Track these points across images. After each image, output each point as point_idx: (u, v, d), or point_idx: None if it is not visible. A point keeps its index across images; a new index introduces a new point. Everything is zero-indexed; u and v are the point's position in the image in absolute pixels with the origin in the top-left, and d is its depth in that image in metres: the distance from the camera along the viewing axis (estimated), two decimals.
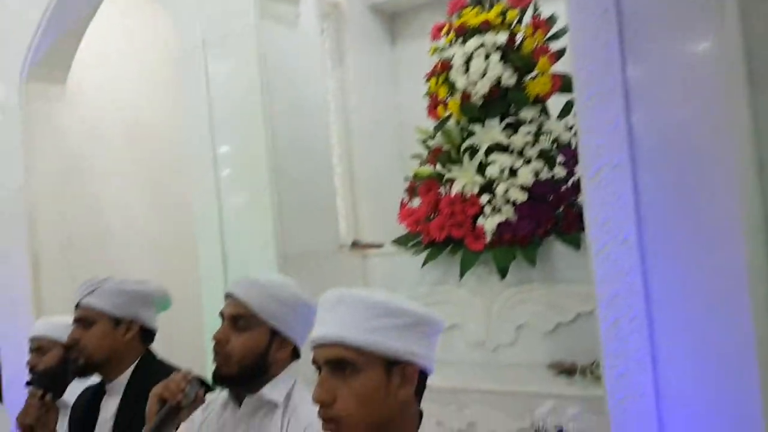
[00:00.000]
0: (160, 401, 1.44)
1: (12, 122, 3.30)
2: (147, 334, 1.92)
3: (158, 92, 3.69)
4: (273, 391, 1.52)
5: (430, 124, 2.84)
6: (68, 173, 3.39)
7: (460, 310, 2.57)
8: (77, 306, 1.87)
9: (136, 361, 1.88)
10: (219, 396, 1.62)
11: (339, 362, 1.12)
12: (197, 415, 1.59)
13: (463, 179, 2.54)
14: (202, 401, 1.49)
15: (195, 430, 1.61)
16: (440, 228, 2.53)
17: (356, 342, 1.11)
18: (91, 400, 1.92)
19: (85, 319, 1.83)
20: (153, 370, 1.88)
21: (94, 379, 1.92)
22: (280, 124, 2.47)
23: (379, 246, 2.92)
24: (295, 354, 1.60)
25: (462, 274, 2.48)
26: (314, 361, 1.16)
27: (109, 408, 1.86)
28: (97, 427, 1.88)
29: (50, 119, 3.36)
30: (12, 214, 3.29)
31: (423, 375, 1.17)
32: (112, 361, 1.85)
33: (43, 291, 3.21)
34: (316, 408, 1.55)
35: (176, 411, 1.43)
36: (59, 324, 2.36)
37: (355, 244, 2.95)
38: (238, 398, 1.56)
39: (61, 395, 1.83)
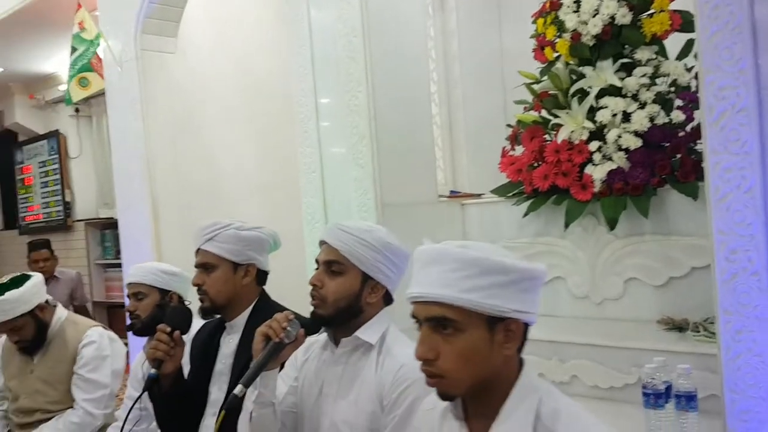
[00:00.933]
0: (264, 339, 1.52)
1: (129, 75, 3.48)
2: (262, 276, 2.04)
3: (267, 43, 3.76)
4: (367, 332, 1.58)
5: (535, 67, 2.72)
6: (182, 123, 3.56)
7: (564, 262, 2.49)
8: (198, 251, 1.98)
9: (254, 302, 1.99)
10: (320, 338, 1.69)
11: (440, 320, 1.11)
12: (300, 354, 1.69)
13: (571, 125, 2.42)
14: (303, 340, 1.56)
15: (297, 367, 1.70)
16: (544, 177, 2.43)
17: (456, 302, 1.09)
18: (212, 335, 2.05)
19: (206, 264, 1.96)
20: (268, 310, 1.97)
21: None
22: (381, 73, 2.45)
23: (478, 196, 2.87)
24: (388, 299, 1.65)
25: (567, 225, 2.39)
26: (414, 316, 1.16)
27: (229, 344, 2.00)
28: (217, 360, 2.01)
29: (164, 71, 3.52)
30: (134, 164, 3.52)
31: (525, 327, 1.15)
32: (233, 302, 1.97)
33: (161, 235, 3.43)
34: (411, 349, 1.59)
35: (279, 348, 1.51)
36: (152, 270, 2.50)
37: (454, 194, 2.91)
38: (335, 340, 1.63)
39: (187, 331, 1.95)
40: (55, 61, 5.57)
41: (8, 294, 2.60)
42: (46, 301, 2.75)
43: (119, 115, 3.60)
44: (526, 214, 2.49)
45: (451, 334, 1.10)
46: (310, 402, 1.64)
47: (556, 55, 2.60)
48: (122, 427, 1.96)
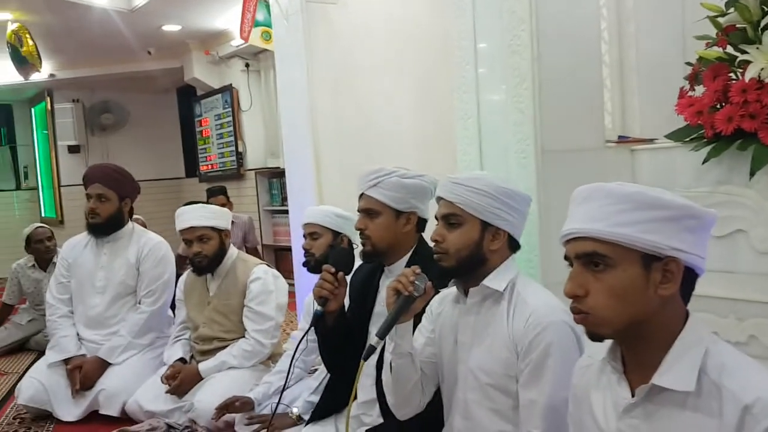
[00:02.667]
0: (395, 293, 1.59)
1: (295, 27, 3.61)
2: (422, 224, 2.08)
3: None
4: (494, 280, 1.61)
5: None
6: (341, 73, 3.65)
7: (747, 213, 2.25)
8: (361, 195, 2.05)
9: (413, 248, 2.04)
10: (452, 290, 1.74)
11: (591, 256, 1.07)
12: (435, 307, 1.76)
13: (761, 62, 2.15)
14: (432, 293, 1.62)
15: (433, 319, 1.77)
16: (728, 119, 2.20)
17: (608, 235, 1.05)
18: (371, 278, 2.14)
19: (370, 209, 2.03)
20: (427, 256, 2.02)
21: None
22: (546, 9, 2.32)
23: (651, 141, 2.66)
24: (514, 246, 1.66)
25: (752, 173, 2.15)
26: (566, 257, 1.14)
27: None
28: (377, 303, 2.10)
29: (326, 22, 3.61)
30: (299, 114, 3.68)
31: (691, 274, 1.08)
32: (393, 248, 2.05)
33: (323, 181, 3.58)
34: (543, 295, 1.54)
35: (409, 302, 1.58)
36: (327, 212, 2.64)
37: (623, 139, 2.72)
38: (464, 291, 1.66)
39: (350, 272, 2.05)
40: (227, 17, 5.91)
41: (211, 206, 2.99)
42: (227, 236, 3.07)
43: (286, 66, 3.77)
44: (705, 161, 2.27)
45: (602, 270, 1.06)
46: (447, 351, 1.69)
47: None
48: (293, 355, 2.11)
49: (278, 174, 6.58)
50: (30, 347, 4.68)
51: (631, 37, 2.94)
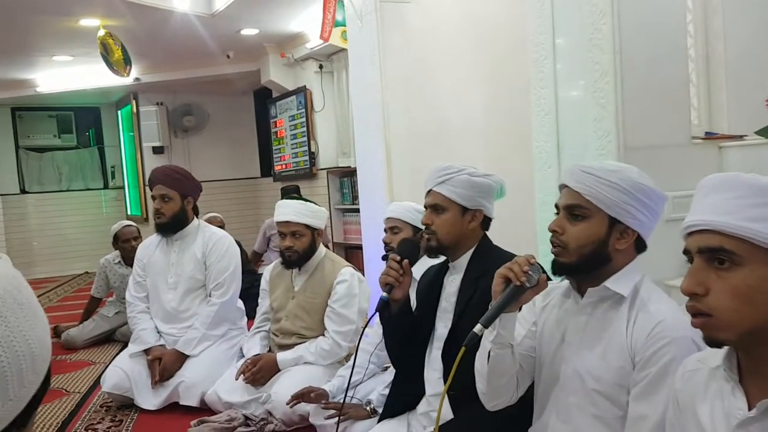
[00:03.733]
0: (504, 281, 1.49)
1: (369, 27, 3.64)
2: (486, 222, 2.07)
3: None
4: (618, 283, 1.47)
5: None
6: (414, 71, 3.65)
7: None
8: (429, 191, 2.05)
9: (476, 245, 2.03)
10: (560, 285, 1.62)
11: (716, 252, 0.98)
12: (538, 299, 1.64)
13: None
14: (545, 286, 1.51)
15: (536, 313, 1.66)
16: None
17: (738, 230, 0.95)
18: (437, 275, 2.15)
19: (437, 205, 2.04)
20: (490, 253, 2.03)
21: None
22: (628, 1, 2.24)
23: (740, 137, 2.53)
24: (641, 246, 1.51)
25: None
26: (686, 251, 1.04)
27: (453, 283, 2.08)
28: (442, 298, 2.10)
29: (400, 21, 3.62)
30: (371, 113, 3.70)
31: None
32: (458, 244, 2.05)
33: (393, 176, 3.59)
34: (670, 305, 1.45)
35: (520, 292, 1.48)
36: (409, 208, 2.68)
37: (710, 135, 2.60)
38: (579, 289, 1.54)
39: (414, 262, 2.07)
40: (301, 19, 6.02)
41: (311, 204, 3.06)
42: (320, 235, 3.14)
43: (359, 66, 3.80)
44: None
45: (727, 268, 0.96)
46: (551, 349, 1.59)
47: None
48: (357, 345, 2.13)
49: (349, 173, 6.65)
50: (116, 338, 4.90)
51: (718, 30, 2.81)
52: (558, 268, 1.52)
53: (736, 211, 0.96)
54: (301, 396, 2.70)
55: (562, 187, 1.54)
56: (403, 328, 2.09)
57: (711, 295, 0.98)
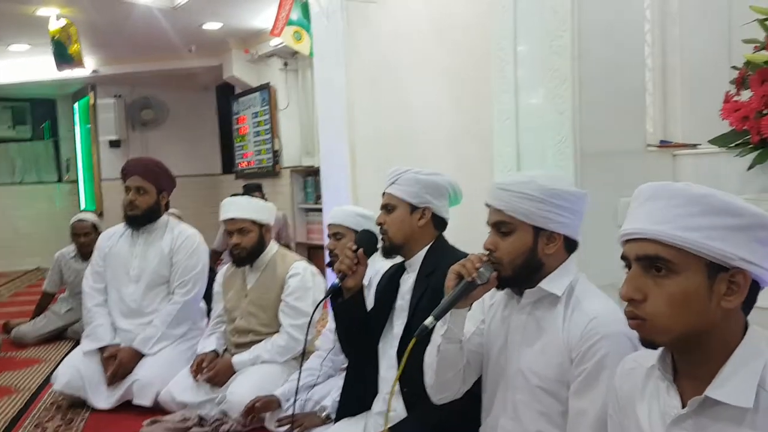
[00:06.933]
0: (457, 277, 1.55)
1: (335, 26, 3.63)
2: (439, 222, 2.12)
3: None
4: (551, 283, 1.55)
5: None
6: (380, 72, 3.65)
7: None
8: (383, 194, 2.12)
9: (431, 244, 2.07)
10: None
11: (653, 260, 1.01)
12: (487, 298, 1.70)
13: None
14: (495, 283, 1.56)
15: (485, 310, 1.73)
16: None
17: (674, 239, 0.99)
18: (394, 275, 2.19)
19: (388, 205, 2.10)
20: (444, 252, 2.07)
21: None
22: (589, 10, 2.29)
23: (694, 146, 2.60)
24: (571, 246, 1.59)
25: None
26: (624, 257, 1.08)
27: (407, 281, 2.14)
28: (398, 297, 2.14)
29: (366, 21, 3.62)
30: (336, 112, 3.70)
31: (755, 285, 1.01)
32: (409, 242, 2.09)
33: (358, 179, 3.59)
34: (603, 301, 1.50)
35: (470, 288, 1.53)
36: (351, 213, 2.67)
37: (665, 144, 2.67)
38: (519, 291, 1.61)
39: (372, 254, 2.09)
40: (266, 16, 5.96)
41: (257, 200, 3.04)
42: (268, 231, 3.12)
43: (324, 65, 3.79)
44: (750, 167, 2.22)
45: (663, 275, 1.00)
46: (496, 348, 1.65)
47: None
48: (306, 333, 2.13)
49: (313, 172, 6.63)
50: (67, 336, 4.78)
51: (676, 41, 2.89)
52: (501, 283, 1.58)
53: (671, 220, 1.00)
54: (252, 409, 2.69)
55: (487, 206, 1.62)
56: (355, 317, 2.12)
57: (649, 301, 1.02)
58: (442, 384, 1.66)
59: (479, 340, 1.69)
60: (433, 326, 1.53)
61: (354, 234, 2.60)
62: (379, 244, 2.13)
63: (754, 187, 2.28)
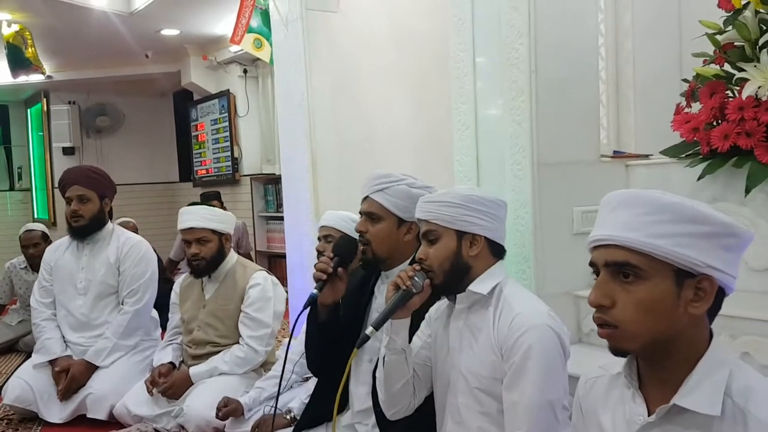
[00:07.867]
0: (395, 288, 1.65)
1: (295, 34, 3.61)
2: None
3: (426, 1, 3.72)
4: (478, 285, 1.65)
5: (719, 17, 2.45)
6: (341, 81, 3.65)
7: None
8: (365, 198, 2.03)
9: (411, 257, 2.02)
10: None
11: (621, 266, 1.03)
12: (432, 312, 1.81)
13: (759, 80, 2.17)
14: (429, 291, 1.66)
15: (430, 325, 1.80)
16: (724, 136, 2.21)
17: (643, 246, 1.00)
18: (364, 282, 2.13)
19: (372, 214, 2.01)
20: None
21: None
22: (545, 23, 2.33)
23: (646, 157, 2.68)
24: (498, 252, 1.70)
25: (748, 191, 2.16)
26: (592, 264, 1.09)
27: (384, 293, 2.04)
28: (372, 309, 2.09)
29: (326, 30, 3.62)
30: (297, 120, 3.67)
31: (720, 293, 1.03)
32: (393, 256, 2.04)
33: (319, 187, 3.58)
34: (530, 300, 1.59)
35: (407, 297, 1.63)
36: (345, 217, 2.65)
37: (618, 154, 2.74)
38: (453, 299, 1.71)
39: (350, 262, 2.05)
40: (225, 23, 5.92)
41: (215, 209, 2.99)
42: (228, 240, 3.07)
43: (284, 73, 3.77)
44: (701, 177, 2.29)
45: (631, 282, 1.01)
46: (441, 357, 1.72)
47: (744, 2, 2.32)
48: (285, 356, 2.13)
49: (273, 180, 6.58)
50: (19, 348, 4.64)
51: (629, 54, 2.97)
52: (435, 291, 1.68)
53: (640, 227, 1.01)
54: (221, 415, 2.64)
55: (418, 220, 1.73)
56: (328, 334, 2.05)
57: (617, 308, 1.03)
58: (392, 397, 1.72)
59: (427, 354, 1.76)
60: (372, 334, 1.60)
61: None
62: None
63: (704, 196, 2.35)
